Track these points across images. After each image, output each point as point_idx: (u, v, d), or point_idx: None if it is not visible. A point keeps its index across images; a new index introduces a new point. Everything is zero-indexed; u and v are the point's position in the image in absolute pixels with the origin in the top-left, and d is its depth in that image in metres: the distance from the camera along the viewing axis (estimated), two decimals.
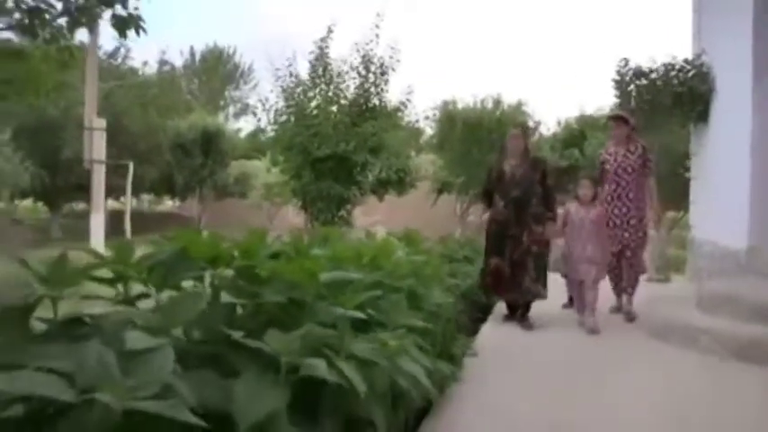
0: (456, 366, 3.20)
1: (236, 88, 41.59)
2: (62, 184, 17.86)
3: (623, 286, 5.08)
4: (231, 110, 41.06)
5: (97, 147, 11.95)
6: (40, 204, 24.74)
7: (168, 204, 34.26)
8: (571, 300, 5.17)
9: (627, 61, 6.79)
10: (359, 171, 8.75)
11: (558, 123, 17.58)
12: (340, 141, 8.34)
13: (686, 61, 6.62)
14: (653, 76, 6.72)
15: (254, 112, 9.80)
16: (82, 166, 15.41)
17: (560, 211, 4.93)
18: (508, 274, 4.61)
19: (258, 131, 31.91)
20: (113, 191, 16.92)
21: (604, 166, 5.15)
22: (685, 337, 3.92)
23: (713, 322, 3.85)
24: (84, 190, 21.39)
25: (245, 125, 39.17)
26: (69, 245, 16.86)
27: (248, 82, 41.70)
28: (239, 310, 1.87)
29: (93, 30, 2.61)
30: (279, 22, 54.00)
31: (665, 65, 6.68)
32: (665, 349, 3.88)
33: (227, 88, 40.93)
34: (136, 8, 2.95)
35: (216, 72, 39.11)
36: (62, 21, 2.45)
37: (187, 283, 1.95)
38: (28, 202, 24.51)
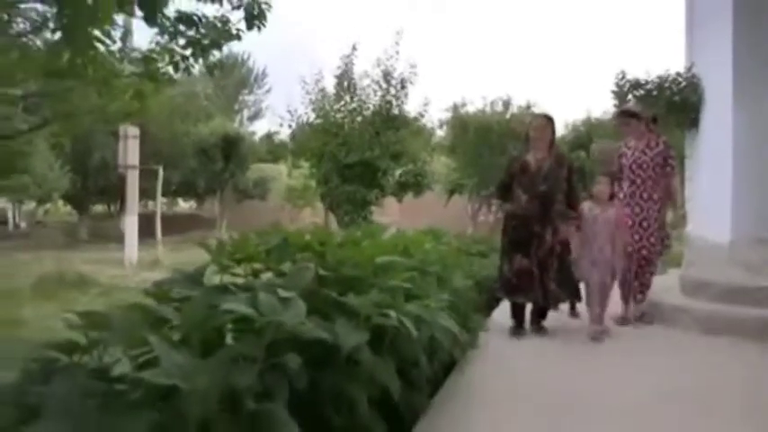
0: (474, 336, 3.92)
1: (249, 92, 42.54)
2: (91, 187, 18.77)
3: (635, 290, 4.76)
4: (246, 113, 42.03)
5: (131, 153, 12.81)
6: (67, 208, 25.69)
7: (184, 206, 35.12)
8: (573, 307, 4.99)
9: (624, 74, 7.46)
10: (381, 175, 9.56)
11: (566, 126, 18.24)
12: (366, 149, 9.14)
13: (678, 74, 7.28)
14: (648, 87, 7.39)
15: (290, 125, 10.65)
16: (110, 170, 16.32)
17: None
18: (536, 275, 4.30)
19: (272, 134, 32.95)
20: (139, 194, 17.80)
21: (621, 160, 4.86)
22: (670, 316, 4.62)
23: (691, 303, 4.54)
24: (108, 193, 22.36)
25: (259, 128, 40.12)
26: (100, 246, 17.63)
27: (262, 86, 42.69)
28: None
29: (189, 72, 3.32)
30: (293, 26, 54.93)
31: (659, 77, 7.33)
32: (653, 327, 4.58)
33: (242, 92, 41.89)
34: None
35: (231, 77, 40.05)
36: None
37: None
38: (58, 205, 25.35)
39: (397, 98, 9.66)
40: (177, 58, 3.19)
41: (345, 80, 9.66)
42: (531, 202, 4.31)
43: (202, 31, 3.01)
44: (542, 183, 4.30)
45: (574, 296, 4.50)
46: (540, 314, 4.47)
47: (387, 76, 9.66)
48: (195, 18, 3.02)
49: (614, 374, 3.39)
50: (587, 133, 16.32)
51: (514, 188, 4.42)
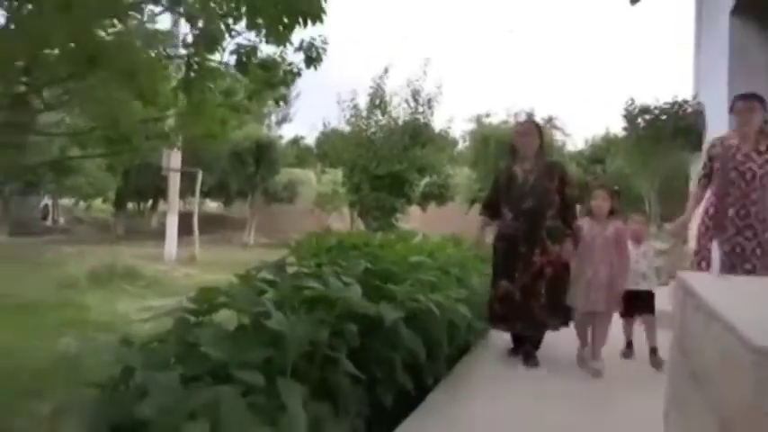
0: (487, 328, 4.64)
1: None
2: (131, 187, 19.90)
3: None
4: (273, 118, 43.15)
5: (174, 157, 13.79)
6: (104, 205, 26.91)
7: (212, 207, 36.28)
8: (629, 344, 4.29)
9: (633, 100, 8.18)
10: (408, 186, 10.46)
11: (586, 141, 18.83)
12: (395, 163, 10.05)
13: (685, 101, 7.94)
14: (656, 112, 8.07)
15: (320, 137, 11.46)
16: (148, 171, 17.33)
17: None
18: (518, 301, 3.88)
19: (299, 139, 33.98)
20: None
21: (713, 163, 3.74)
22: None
23: None
24: (142, 193, 23.52)
25: (286, 132, 41.18)
26: (137, 242, 18.59)
27: (290, 91, 43.82)
28: None
29: (260, 104, 4.10)
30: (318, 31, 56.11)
31: (666, 103, 8.02)
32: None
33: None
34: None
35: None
36: None
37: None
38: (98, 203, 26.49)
39: (424, 115, 10.57)
40: (251, 92, 4.00)
41: (377, 98, 10.58)
42: (517, 220, 3.90)
43: (276, 73, 3.82)
44: (528, 198, 3.88)
45: (564, 324, 3.99)
46: (533, 344, 4.02)
47: (415, 95, 10.56)
48: (269, 63, 3.83)
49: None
50: (606, 149, 16.87)
51: (501, 205, 4.03)
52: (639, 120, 8.23)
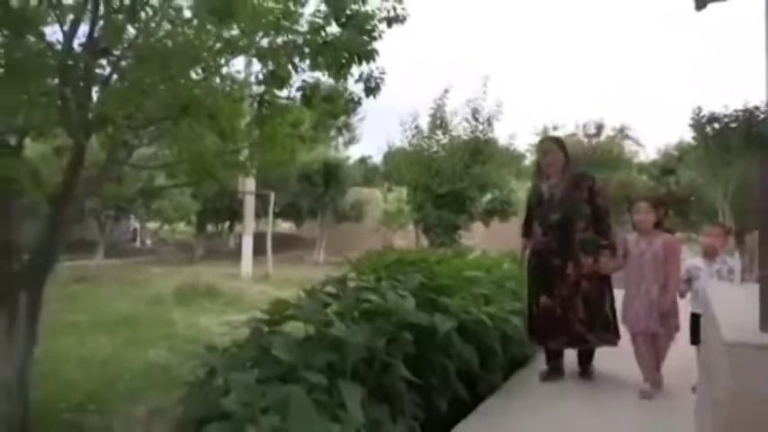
0: None
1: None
2: (210, 210, 21.16)
3: None
4: (341, 140, 44.42)
5: (248, 181, 14.63)
6: (186, 227, 28.62)
7: (284, 227, 37.59)
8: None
9: (701, 108, 8.00)
10: (470, 203, 10.69)
11: (658, 151, 18.17)
12: (456, 181, 10.34)
13: (755, 107, 7.67)
14: (725, 120, 7.84)
15: (385, 157, 11.88)
16: (224, 194, 18.38)
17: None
18: (559, 315, 3.87)
19: (365, 159, 34.87)
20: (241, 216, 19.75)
21: None
22: None
23: None
24: (219, 215, 24.88)
25: (353, 153, 42.21)
26: (215, 262, 19.60)
27: (355, 114, 44.99)
28: None
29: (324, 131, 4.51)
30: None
31: (736, 111, 7.78)
32: None
33: (339, 121, 44.33)
34: None
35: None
36: None
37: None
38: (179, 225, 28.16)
39: (484, 134, 10.79)
40: (315, 122, 4.39)
41: (438, 119, 10.92)
42: (547, 235, 3.95)
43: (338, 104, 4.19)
44: (555, 211, 3.93)
45: (608, 341, 3.92)
46: (586, 356, 4.07)
47: (474, 113, 10.81)
48: (332, 94, 4.20)
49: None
50: (679, 158, 16.22)
51: (532, 222, 4.11)
52: (708, 129, 8.03)
